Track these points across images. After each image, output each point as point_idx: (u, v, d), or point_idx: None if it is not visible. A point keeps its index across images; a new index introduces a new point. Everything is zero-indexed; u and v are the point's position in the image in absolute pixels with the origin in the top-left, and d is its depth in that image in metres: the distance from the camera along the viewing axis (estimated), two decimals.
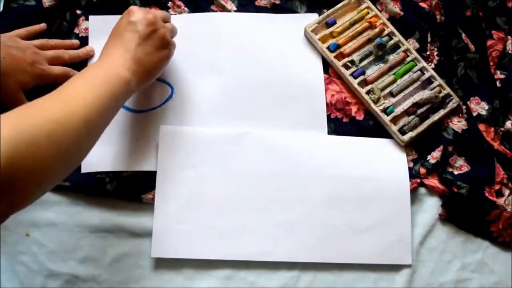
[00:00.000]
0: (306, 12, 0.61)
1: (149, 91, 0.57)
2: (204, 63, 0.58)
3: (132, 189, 0.53)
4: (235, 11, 0.60)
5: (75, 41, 0.58)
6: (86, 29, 0.58)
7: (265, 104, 0.57)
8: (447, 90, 0.58)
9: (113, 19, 0.58)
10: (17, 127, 0.35)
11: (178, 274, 0.52)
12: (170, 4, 0.60)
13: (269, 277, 0.52)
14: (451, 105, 0.58)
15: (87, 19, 0.58)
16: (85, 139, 0.41)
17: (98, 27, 0.58)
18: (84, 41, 0.58)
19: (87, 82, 0.43)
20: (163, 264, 0.52)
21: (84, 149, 0.42)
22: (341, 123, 0.57)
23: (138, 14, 0.49)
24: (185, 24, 0.59)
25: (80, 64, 0.56)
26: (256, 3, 0.61)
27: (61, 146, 0.38)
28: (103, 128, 0.44)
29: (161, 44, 0.49)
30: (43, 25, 0.57)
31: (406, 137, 0.56)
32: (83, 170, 0.53)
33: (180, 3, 0.60)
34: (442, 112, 0.57)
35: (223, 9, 0.61)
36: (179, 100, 0.57)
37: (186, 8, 0.60)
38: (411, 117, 0.57)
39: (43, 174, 0.37)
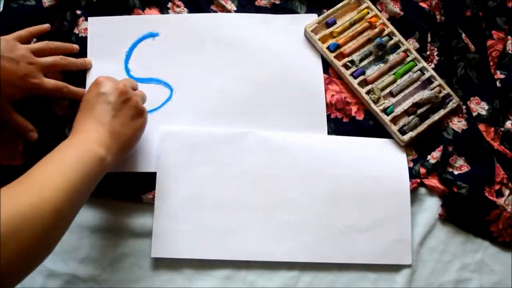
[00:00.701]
0: (306, 12, 0.61)
1: (148, 93, 0.57)
2: (203, 63, 0.59)
3: (132, 189, 0.53)
4: (235, 11, 0.61)
5: (75, 46, 0.56)
6: (86, 29, 0.58)
7: (265, 104, 0.57)
8: (447, 90, 0.59)
9: (112, 20, 0.59)
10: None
11: (178, 274, 0.52)
12: (170, 4, 0.60)
13: (269, 277, 0.52)
14: (451, 105, 0.58)
15: (86, 19, 0.59)
16: (54, 231, 0.38)
17: (97, 29, 0.58)
18: (83, 41, 0.58)
19: (58, 166, 0.40)
20: (163, 264, 0.52)
21: (53, 242, 0.39)
22: (341, 123, 0.57)
23: (107, 84, 0.47)
24: (185, 24, 0.59)
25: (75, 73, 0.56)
26: (256, 3, 0.62)
27: (28, 243, 0.35)
28: (74, 215, 0.41)
29: (135, 113, 0.47)
30: (46, 26, 0.55)
31: (406, 137, 0.56)
32: None
33: (179, 3, 0.60)
34: (442, 112, 0.58)
35: (223, 9, 0.61)
36: (178, 101, 0.57)
37: (185, 8, 0.60)
38: (411, 117, 0.57)
39: (7, 277, 0.34)
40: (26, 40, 0.53)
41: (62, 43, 0.55)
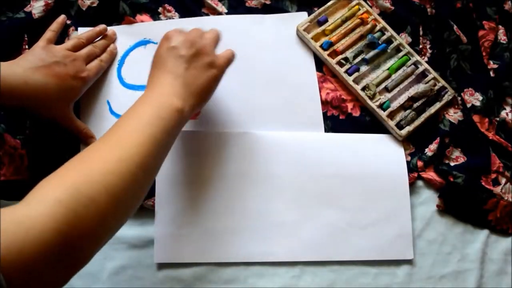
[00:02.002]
0: (297, 11, 0.62)
1: None
2: None
3: None
4: (226, 13, 0.61)
5: (102, 26, 0.58)
6: None
7: (261, 105, 0.58)
8: (442, 82, 0.60)
9: None
10: (73, 188, 0.34)
11: (178, 282, 0.52)
12: (160, 9, 0.61)
13: (271, 278, 0.53)
14: (446, 98, 0.59)
15: (77, 29, 0.59)
16: (143, 183, 0.40)
17: None
18: None
19: (138, 123, 0.42)
20: (163, 275, 0.52)
21: (142, 193, 0.41)
22: (338, 121, 0.58)
23: (177, 37, 0.47)
24: None
25: None
26: (247, 4, 0.62)
27: (120, 197, 0.37)
28: (159, 167, 0.43)
29: (208, 63, 0.48)
30: (63, 17, 0.57)
31: (404, 131, 0.57)
32: None
33: (170, 8, 0.61)
34: (438, 105, 0.59)
35: (214, 11, 0.61)
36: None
37: (176, 13, 0.61)
38: (408, 111, 0.58)
39: (104, 230, 0.36)
40: (55, 40, 0.55)
41: (89, 30, 0.57)
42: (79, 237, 0.34)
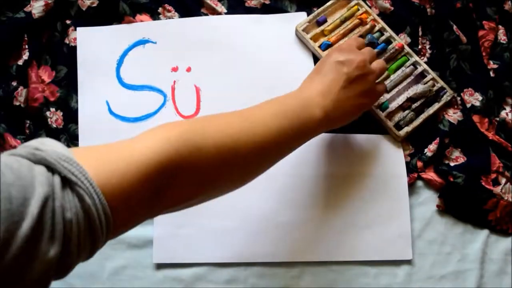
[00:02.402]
0: (296, 11, 0.62)
1: (142, 100, 0.58)
2: (196, 67, 0.60)
3: None
4: (225, 13, 0.62)
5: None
6: (76, 38, 0.59)
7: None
8: (441, 83, 0.60)
9: (101, 30, 0.59)
10: (186, 133, 0.36)
11: (178, 282, 0.53)
12: (160, 9, 0.61)
13: (271, 278, 0.54)
14: (445, 98, 0.59)
15: (76, 29, 0.60)
16: (253, 165, 0.41)
17: (86, 38, 0.59)
18: (74, 51, 0.59)
19: (277, 110, 0.42)
20: (163, 274, 0.53)
21: (248, 174, 0.41)
22: None
23: (348, 54, 0.48)
24: (175, 29, 0.60)
25: None
26: (246, 4, 0.63)
27: (227, 160, 0.37)
28: (274, 161, 0.43)
29: (365, 91, 0.48)
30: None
31: (402, 132, 0.58)
32: None
33: (170, 7, 0.61)
34: (436, 106, 0.59)
35: (214, 11, 0.62)
36: (172, 107, 0.58)
37: (176, 13, 0.61)
38: (406, 112, 0.59)
39: (201, 184, 0.37)
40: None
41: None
42: (178, 175, 0.35)
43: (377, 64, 0.51)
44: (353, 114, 0.49)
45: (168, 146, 0.34)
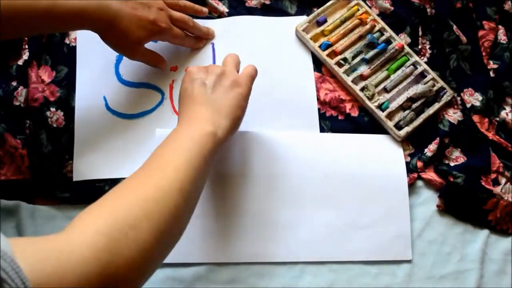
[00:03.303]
0: (297, 11, 0.63)
1: (140, 97, 0.59)
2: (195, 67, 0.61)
3: None
4: (226, 12, 0.63)
5: (205, 9, 0.60)
6: (76, 39, 0.60)
7: (258, 105, 0.59)
8: (441, 83, 0.61)
9: None
10: (113, 216, 0.35)
11: (178, 282, 0.53)
12: None
13: (271, 277, 0.54)
14: (445, 98, 0.60)
15: None
16: (183, 209, 0.41)
17: (86, 34, 0.60)
18: (74, 51, 0.60)
19: (173, 149, 0.43)
20: (164, 274, 0.53)
21: (183, 222, 0.42)
22: (336, 121, 0.59)
23: (197, 70, 0.50)
24: None
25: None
26: (247, 4, 0.63)
27: (160, 224, 0.37)
28: (198, 193, 0.44)
29: (231, 84, 0.49)
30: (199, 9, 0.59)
31: (403, 132, 0.58)
32: (75, 178, 0.55)
33: None
34: (437, 106, 0.60)
35: (216, 10, 0.63)
36: (169, 105, 0.59)
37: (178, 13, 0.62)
38: (406, 112, 0.59)
39: (146, 260, 0.36)
40: None
41: (192, 3, 0.59)
42: (121, 267, 0.34)
43: (228, 58, 0.53)
44: (238, 106, 0.49)
45: (104, 238, 0.33)
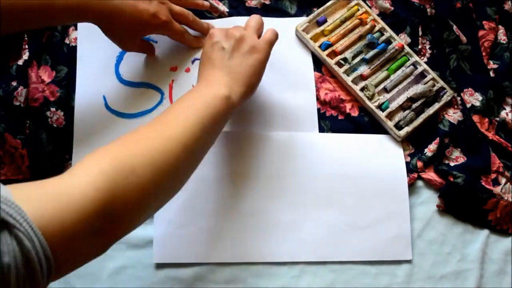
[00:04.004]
0: (297, 11, 0.64)
1: (139, 97, 0.59)
2: (195, 69, 0.60)
3: None
4: (227, 12, 0.63)
5: (206, 3, 0.61)
6: (76, 39, 0.61)
7: (258, 105, 0.59)
8: (441, 83, 0.61)
9: None
10: (116, 160, 0.37)
11: (178, 282, 0.54)
12: None
13: (270, 277, 0.55)
14: (445, 98, 0.61)
15: (77, 28, 0.61)
16: (186, 165, 0.43)
17: (86, 33, 0.60)
18: (74, 51, 0.60)
19: (185, 107, 0.45)
20: (163, 274, 0.54)
21: (184, 177, 0.44)
22: (336, 121, 0.60)
23: (219, 33, 0.52)
24: None
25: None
26: (247, 4, 0.64)
27: (161, 173, 0.39)
28: (204, 152, 0.46)
29: (249, 49, 0.50)
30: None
31: (403, 132, 0.59)
32: None
33: None
34: (437, 106, 0.60)
35: (216, 10, 0.63)
36: (169, 105, 0.59)
37: None
38: (406, 112, 0.60)
39: (144, 203, 0.39)
40: None
41: None
42: (119, 207, 0.36)
43: (250, 21, 0.53)
44: (255, 72, 0.51)
45: (105, 178, 0.35)
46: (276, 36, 0.54)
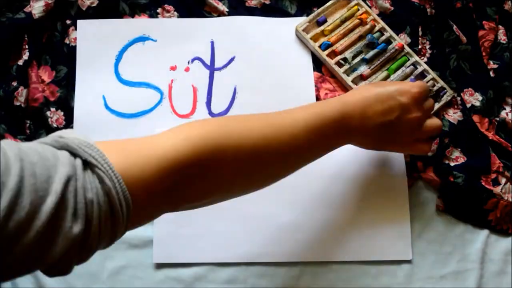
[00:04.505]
0: (297, 11, 0.64)
1: (139, 97, 0.60)
2: (195, 68, 0.62)
3: None
4: (226, 12, 0.64)
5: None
6: (76, 39, 0.61)
7: (257, 105, 0.60)
8: (441, 83, 0.62)
9: (102, 24, 0.61)
10: (207, 134, 0.37)
11: (178, 282, 0.54)
12: (159, 10, 0.63)
13: (270, 277, 0.55)
14: (445, 98, 0.61)
15: (76, 29, 0.61)
16: (275, 170, 0.42)
17: (86, 32, 0.61)
18: (74, 50, 0.61)
19: (311, 122, 0.43)
20: (163, 274, 0.54)
21: (269, 179, 0.43)
22: None
23: (413, 104, 0.47)
24: (175, 28, 0.62)
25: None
26: (247, 4, 0.64)
27: (248, 164, 0.39)
28: (299, 167, 0.44)
29: (411, 130, 0.48)
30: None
31: None
32: None
33: (170, 7, 0.63)
34: (436, 106, 0.60)
35: (215, 10, 0.64)
36: (168, 105, 0.60)
37: (176, 13, 0.63)
38: None
39: (223, 180, 0.39)
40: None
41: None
42: (198, 175, 0.36)
43: (434, 122, 0.50)
44: (384, 147, 0.50)
45: (190, 145, 0.36)
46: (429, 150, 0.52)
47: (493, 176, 0.59)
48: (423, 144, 0.51)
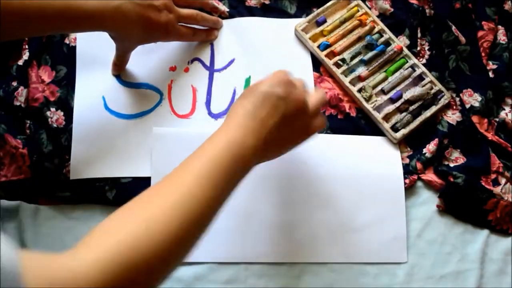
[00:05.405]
0: (296, 11, 0.65)
1: (138, 97, 0.60)
2: (194, 68, 0.62)
3: (132, 196, 0.57)
4: (227, 11, 0.65)
5: (210, 1, 0.62)
6: (76, 39, 0.62)
7: None
8: (439, 86, 0.62)
9: None
10: (122, 243, 0.35)
11: (177, 282, 0.54)
12: None
13: (270, 277, 0.55)
14: (442, 101, 0.61)
15: None
16: (197, 233, 0.41)
17: (86, 37, 0.61)
18: (74, 51, 0.61)
19: (206, 174, 0.41)
20: None
21: (198, 237, 0.41)
22: (336, 120, 0.61)
23: (286, 87, 0.45)
24: None
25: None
26: (247, 4, 0.65)
27: (166, 251, 0.37)
28: (220, 208, 0.43)
29: (302, 128, 0.48)
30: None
31: (399, 134, 0.59)
32: (72, 177, 0.56)
33: None
34: (434, 109, 0.61)
35: (216, 10, 0.64)
36: (168, 105, 0.61)
37: None
38: (403, 114, 0.61)
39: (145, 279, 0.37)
40: None
41: None
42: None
43: (317, 96, 0.50)
44: (287, 149, 0.49)
45: (111, 263, 0.34)
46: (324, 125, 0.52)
47: (493, 176, 0.60)
48: (317, 119, 0.50)
